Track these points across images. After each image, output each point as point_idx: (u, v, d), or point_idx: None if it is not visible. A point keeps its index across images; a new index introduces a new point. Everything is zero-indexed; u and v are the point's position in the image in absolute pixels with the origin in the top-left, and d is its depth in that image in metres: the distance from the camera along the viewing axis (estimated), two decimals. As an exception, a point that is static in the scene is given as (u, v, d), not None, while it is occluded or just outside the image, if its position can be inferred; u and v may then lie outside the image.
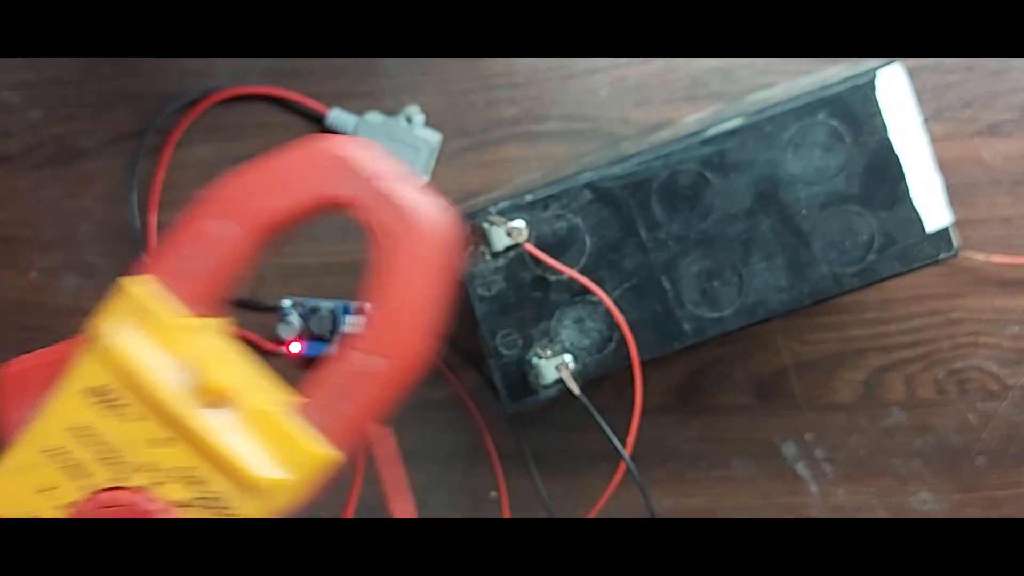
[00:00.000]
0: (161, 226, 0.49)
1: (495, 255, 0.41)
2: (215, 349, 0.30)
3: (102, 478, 0.29)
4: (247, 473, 0.28)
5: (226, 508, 0.29)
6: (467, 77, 0.48)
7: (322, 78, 0.48)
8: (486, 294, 0.41)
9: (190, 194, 0.48)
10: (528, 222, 0.40)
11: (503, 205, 0.40)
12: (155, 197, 0.49)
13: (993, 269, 0.48)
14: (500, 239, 0.40)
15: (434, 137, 0.48)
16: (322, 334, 0.48)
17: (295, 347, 0.48)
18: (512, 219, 0.40)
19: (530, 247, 0.40)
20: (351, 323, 0.49)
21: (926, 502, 0.49)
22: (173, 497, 0.29)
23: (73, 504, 0.29)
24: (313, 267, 0.49)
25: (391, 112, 0.48)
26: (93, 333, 0.29)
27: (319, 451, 0.30)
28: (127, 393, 0.28)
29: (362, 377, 0.30)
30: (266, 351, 0.49)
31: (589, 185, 0.40)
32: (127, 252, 0.48)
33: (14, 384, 0.29)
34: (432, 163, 0.48)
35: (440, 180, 0.49)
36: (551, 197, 0.40)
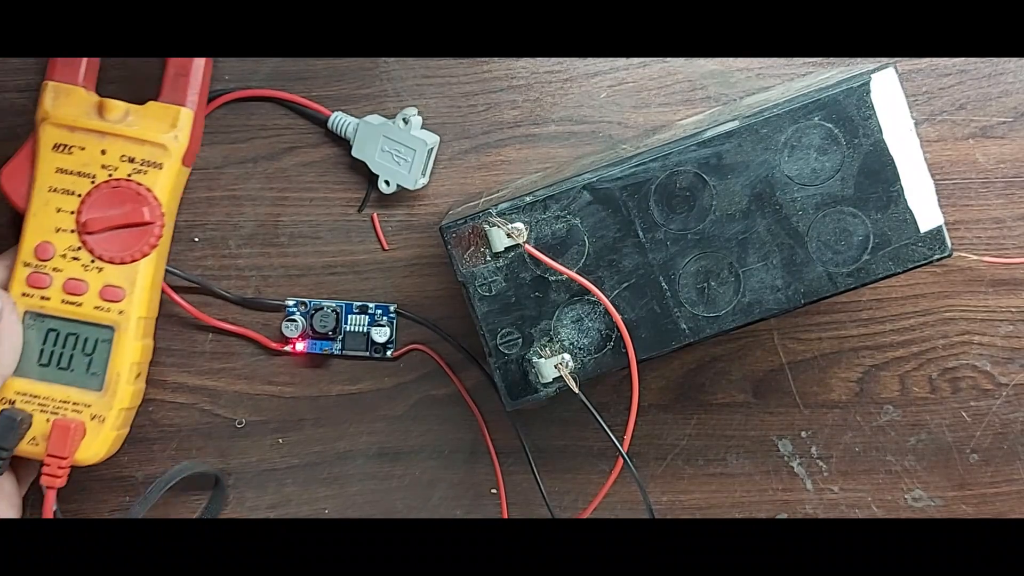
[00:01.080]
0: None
1: (495, 256, 0.41)
2: (98, 99, 0.45)
3: (88, 182, 0.44)
4: (154, 139, 0.44)
5: (159, 163, 0.44)
6: (468, 80, 0.49)
7: (326, 82, 0.49)
8: (486, 294, 0.41)
9: (196, 195, 0.49)
10: (528, 223, 0.41)
11: (503, 206, 0.41)
12: (160, 198, 0.49)
13: (986, 269, 0.48)
14: (500, 240, 0.41)
15: (431, 138, 0.48)
16: (325, 333, 0.49)
17: (299, 346, 0.49)
18: (512, 220, 0.41)
19: (530, 248, 0.41)
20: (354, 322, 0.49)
21: (920, 499, 0.49)
22: (126, 174, 0.44)
23: (92, 185, 0.44)
24: (317, 267, 0.49)
25: (393, 115, 0.48)
26: (40, 118, 0.44)
27: (181, 109, 0.45)
28: (74, 136, 0.44)
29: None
30: (271, 350, 0.50)
31: (588, 187, 0.41)
32: (133, 252, 0.49)
33: (10, 174, 0.45)
34: (431, 164, 0.48)
35: (441, 182, 0.49)
36: (551, 198, 0.41)
